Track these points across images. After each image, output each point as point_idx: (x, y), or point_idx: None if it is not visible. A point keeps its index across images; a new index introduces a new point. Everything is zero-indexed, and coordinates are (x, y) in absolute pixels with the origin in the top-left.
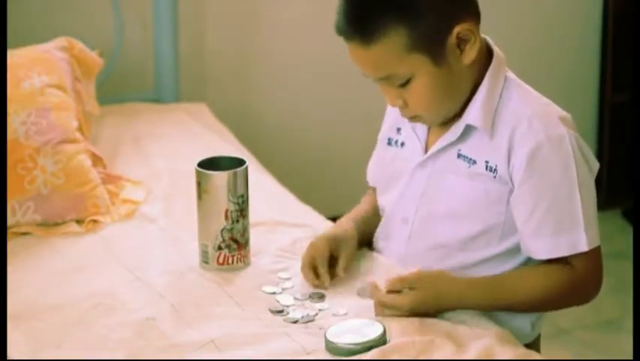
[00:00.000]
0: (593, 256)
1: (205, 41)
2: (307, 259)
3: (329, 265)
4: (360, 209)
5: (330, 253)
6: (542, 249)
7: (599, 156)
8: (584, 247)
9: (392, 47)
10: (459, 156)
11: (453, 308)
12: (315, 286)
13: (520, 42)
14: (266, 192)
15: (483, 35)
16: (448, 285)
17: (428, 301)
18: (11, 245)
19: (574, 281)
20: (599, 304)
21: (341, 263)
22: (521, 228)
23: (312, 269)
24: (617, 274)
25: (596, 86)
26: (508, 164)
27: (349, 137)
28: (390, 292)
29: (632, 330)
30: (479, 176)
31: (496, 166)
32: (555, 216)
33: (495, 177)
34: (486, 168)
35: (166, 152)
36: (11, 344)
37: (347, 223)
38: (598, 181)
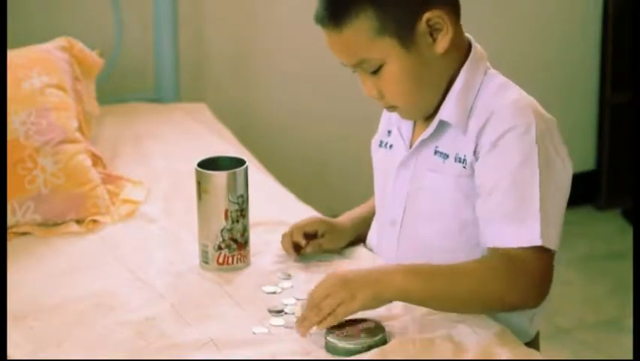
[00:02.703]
0: (544, 258)
1: (205, 41)
2: (293, 227)
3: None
4: (364, 208)
5: (316, 230)
6: (489, 236)
7: (599, 156)
8: (534, 240)
9: (362, 30)
10: (436, 152)
11: (390, 292)
12: (287, 252)
13: (520, 42)
14: (266, 192)
15: (467, 35)
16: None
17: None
18: (11, 245)
19: (512, 274)
20: (599, 304)
21: (313, 243)
22: (478, 212)
23: (291, 237)
24: (617, 274)
25: (596, 86)
26: (474, 151)
27: (349, 137)
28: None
29: (632, 330)
30: (451, 170)
31: (464, 156)
32: (507, 205)
33: (464, 167)
34: (455, 160)
35: (166, 152)
36: (11, 344)
37: (346, 219)
38: (598, 181)
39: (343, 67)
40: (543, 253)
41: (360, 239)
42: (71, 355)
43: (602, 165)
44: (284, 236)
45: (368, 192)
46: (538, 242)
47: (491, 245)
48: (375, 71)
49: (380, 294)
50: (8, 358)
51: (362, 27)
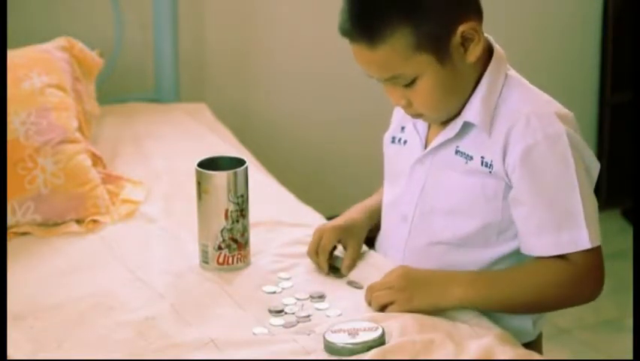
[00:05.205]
0: (595, 254)
1: (205, 41)
2: (312, 246)
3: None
4: (376, 199)
5: (338, 242)
6: (543, 246)
7: (599, 156)
8: (586, 244)
9: (398, 47)
10: (457, 152)
11: (449, 302)
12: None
13: (521, 42)
14: (266, 192)
15: (485, 34)
16: (436, 277)
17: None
18: (11, 245)
19: (574, 277)
20: (599, 304)
21: (346, 261)
22: (521, 226)
23: (317, 254)
24: (617, 274)
25: (596, 86)
26: (504, 160)
27: (349, 137)
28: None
29: (632, 330)
30: (476, 172)
31: (491, 161)
32: (555, 214)
33: (491, 172)
34: (482, 164)
35: (166, 152)
36: (11, 344)
37: (358, 213)
38: (598, 181)
39: (344, 68)
40: (592, 251)
41: (377, 227)
42: (71, 355)
43: (602, 165)
44: (313, 257)
45: (368, 191)
46: (587, 246)
47: (546, 255)
48: (407, 84)
49: (438, 304)
50: (8, 358)
51: (398, 45)
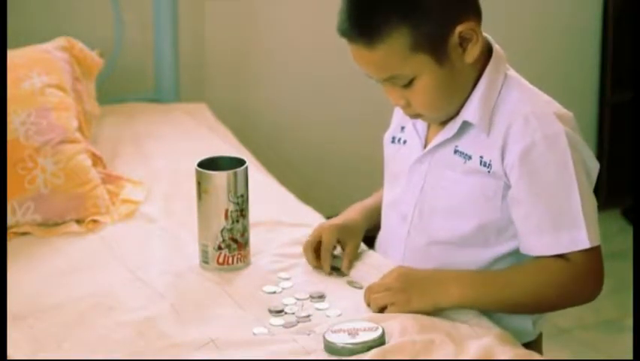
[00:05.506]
0: (594, 255)
1: (205, 41)
2: (311, 241)
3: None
4: (375, 199)
5: (337, 241)
6: (542, 245)
7: (599, 156)
8: (585, 243)
9: (396, 47)
10: (455, 152)
11: (448, 302)
12: (315, 268)
13: (520, 42)
14: (266, 192)
15: (484, 34)
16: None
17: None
18: (11, 245)
19: (574, 276)
20: (599, 304)
21: (345, 262)
22: (520, 226)
23: (314, 251)
24: (617, 274)
25: (596, 86)
26: (503, 160)
27: (349, 137)
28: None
29: (632, 330)
30: (474, 171)
31: (490, 161)
32: (554, 214)
33: (489, 172)
34: (480, 164)
35: (166, 152)
36: (11, 344)
37: (357, 213)
38: (598, 181)
39: (344, 68)
40: (591, 251)
41: (375, 228)
42: (71, 355)
43: (602, 165)
44: (308, 253)
45: (368, 191)
46: (586, 245)
47: (545, 254)
48: (406, 85)
49: (437, 304)
50: (8, 358)
51: (396, 45)
